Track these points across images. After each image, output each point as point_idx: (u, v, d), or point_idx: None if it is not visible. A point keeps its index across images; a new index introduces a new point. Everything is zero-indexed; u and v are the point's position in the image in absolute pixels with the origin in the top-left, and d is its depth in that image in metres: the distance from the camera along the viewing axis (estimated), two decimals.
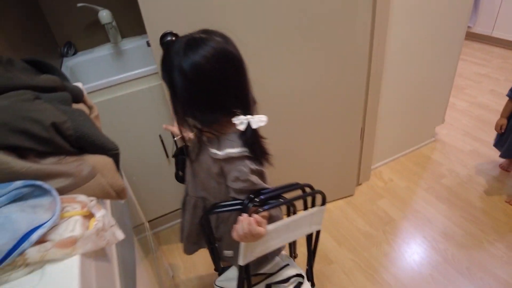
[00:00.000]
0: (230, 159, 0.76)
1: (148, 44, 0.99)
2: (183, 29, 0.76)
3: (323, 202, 0.83)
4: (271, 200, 0.76)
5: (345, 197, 1.76)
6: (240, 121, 0.73)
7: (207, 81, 0.70)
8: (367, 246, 1.50)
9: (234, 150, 0.75)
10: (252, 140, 0.75)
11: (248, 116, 0.74)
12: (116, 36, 1.60)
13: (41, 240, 0.42)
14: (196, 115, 0.75)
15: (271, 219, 0.77)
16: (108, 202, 0.62)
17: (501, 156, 1.71)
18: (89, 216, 0.48)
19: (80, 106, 0.69)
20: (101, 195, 0.52)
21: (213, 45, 0.69)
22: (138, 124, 1.35)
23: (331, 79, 1.33)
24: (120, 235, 0.50)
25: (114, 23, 1.54)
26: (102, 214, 0.49)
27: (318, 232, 0.90)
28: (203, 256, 1.26)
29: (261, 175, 0.78)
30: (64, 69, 1.44)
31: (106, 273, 0.50)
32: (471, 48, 3.27)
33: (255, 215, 0.69)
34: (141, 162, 1.43)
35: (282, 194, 0.78)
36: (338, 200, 1.74)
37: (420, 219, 1.61)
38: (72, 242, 0.41)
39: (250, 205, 0.73)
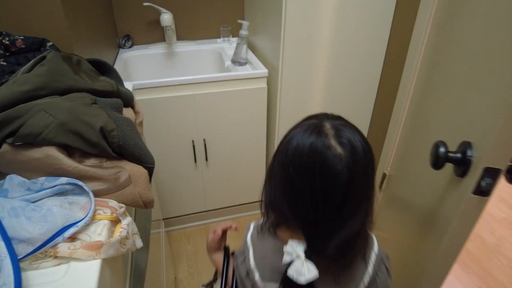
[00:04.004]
0: None
1: None
2: None
3: None
4: None
5: None
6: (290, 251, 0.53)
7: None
8: None
9: None
10: None
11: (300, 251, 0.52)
12: (172, 37, 1.69)
13: (72, 237, 0.47)
14: None
15: None
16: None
17: None
18: (116, 221, 0.53)
19: (128, 110, 0.74)
20: (130, 203, 0.56)
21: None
22: (175, 126, 1.41)
23: None
24: (139, 243, 0.54)
25: (173, 26, 1.63)
26: (128, 222, 0.53)
27: None
28: (208, 264, 1.29)
29: None
30: (119, 60, 1.54)
31: (120, 274, 0.54)
32: None
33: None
34: (170, 162, 1.50)
35: None
36: None
37: None
38: (98, 246, 0.45)
39: None
